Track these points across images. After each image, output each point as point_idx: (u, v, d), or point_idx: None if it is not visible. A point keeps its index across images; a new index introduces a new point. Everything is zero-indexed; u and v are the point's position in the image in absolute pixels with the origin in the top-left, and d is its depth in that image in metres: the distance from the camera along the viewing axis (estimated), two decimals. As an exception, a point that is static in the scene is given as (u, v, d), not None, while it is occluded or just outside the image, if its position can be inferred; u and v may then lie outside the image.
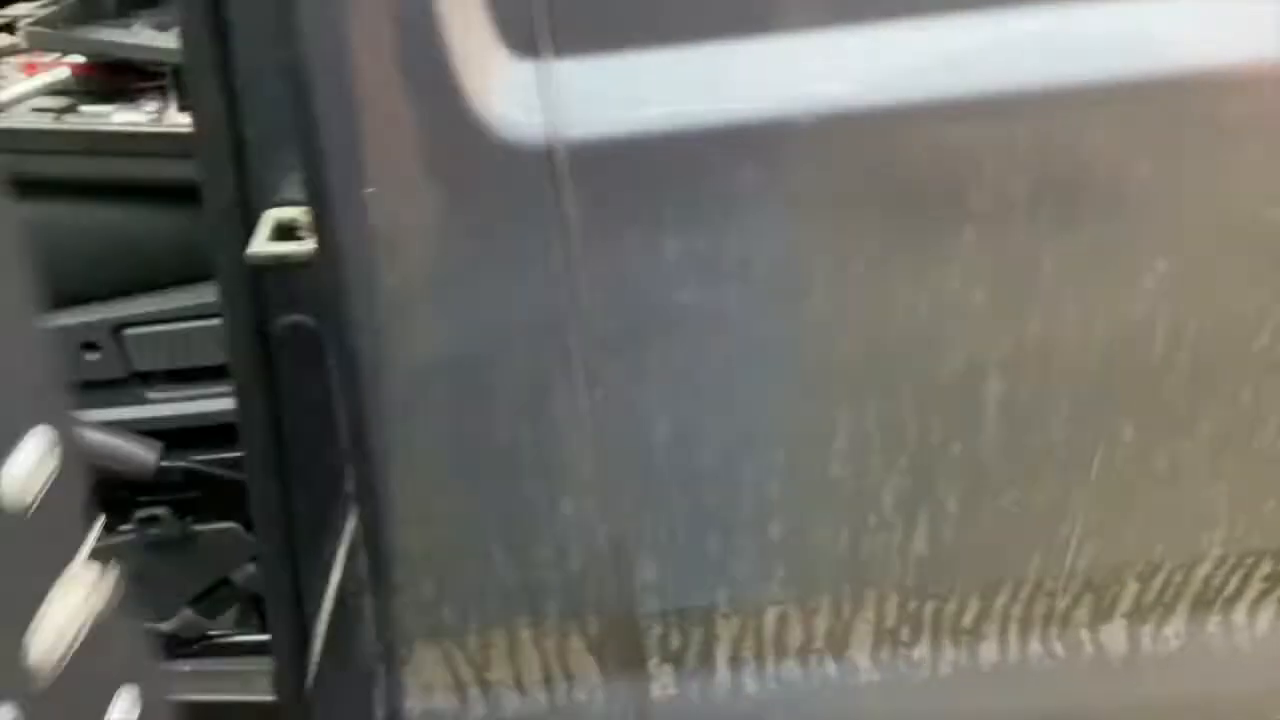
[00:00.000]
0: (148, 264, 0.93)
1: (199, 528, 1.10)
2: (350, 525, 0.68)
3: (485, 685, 0.65)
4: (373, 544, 0.61)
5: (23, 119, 0.82)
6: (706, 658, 0.64)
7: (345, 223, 0.51)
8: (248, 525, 1.09)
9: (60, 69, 0.86)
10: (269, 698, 1.15)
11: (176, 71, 0.82)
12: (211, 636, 1.18)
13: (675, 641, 0.63)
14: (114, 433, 0.93)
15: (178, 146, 0.81)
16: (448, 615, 0.63)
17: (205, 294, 0.94)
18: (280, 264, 0.55)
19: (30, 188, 0.86)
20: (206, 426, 1.01)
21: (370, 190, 0.50)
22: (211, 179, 0.58)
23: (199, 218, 0.86)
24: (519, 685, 0.65)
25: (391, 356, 0.55)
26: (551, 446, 0.57)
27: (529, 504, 0.59)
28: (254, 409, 0.65)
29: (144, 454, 0.94)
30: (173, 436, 0.98)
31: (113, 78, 0.87)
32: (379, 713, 0.66)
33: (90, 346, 0.96)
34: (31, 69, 0.88)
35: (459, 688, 0.64)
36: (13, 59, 0.92)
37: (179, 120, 0.82)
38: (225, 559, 1.12)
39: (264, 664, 1.17)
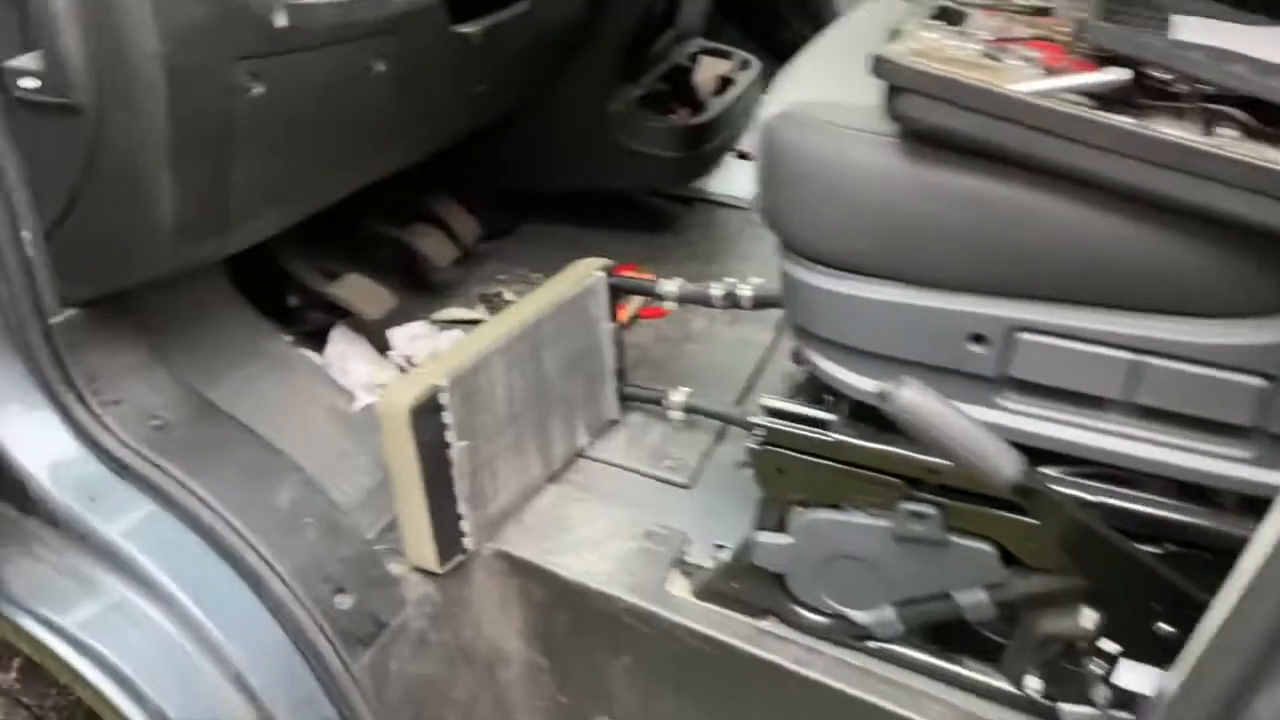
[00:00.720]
0: (1061, 272, 0.90)
1: (956, 539, 1.08)
2: None
3: None
4: None
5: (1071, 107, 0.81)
6: None
7: None
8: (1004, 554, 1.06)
9: (1099, 71, 0.84)
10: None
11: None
12: (893, 641, 1.17)
13: None
14: (987, 433, 0.91)
15: (1239, 175, 0.76)
16: None
17: (1112, 320, 0.90)
18: None
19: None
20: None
21: None
22: None
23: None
24: None
25: None
26: None
27: None
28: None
29: (1008, 464, 0.91)
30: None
31: (1147, 90, 0.84)
32: None
33: (979, 338, 0.95)
34: (1056, 59, 0.87)
35: None
36: (1021, 46, 0.92)
37: (1242, 149, 0.77)
38: (961, 576, 1.10)
39: (929, 685, 1.15)
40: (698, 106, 1.87)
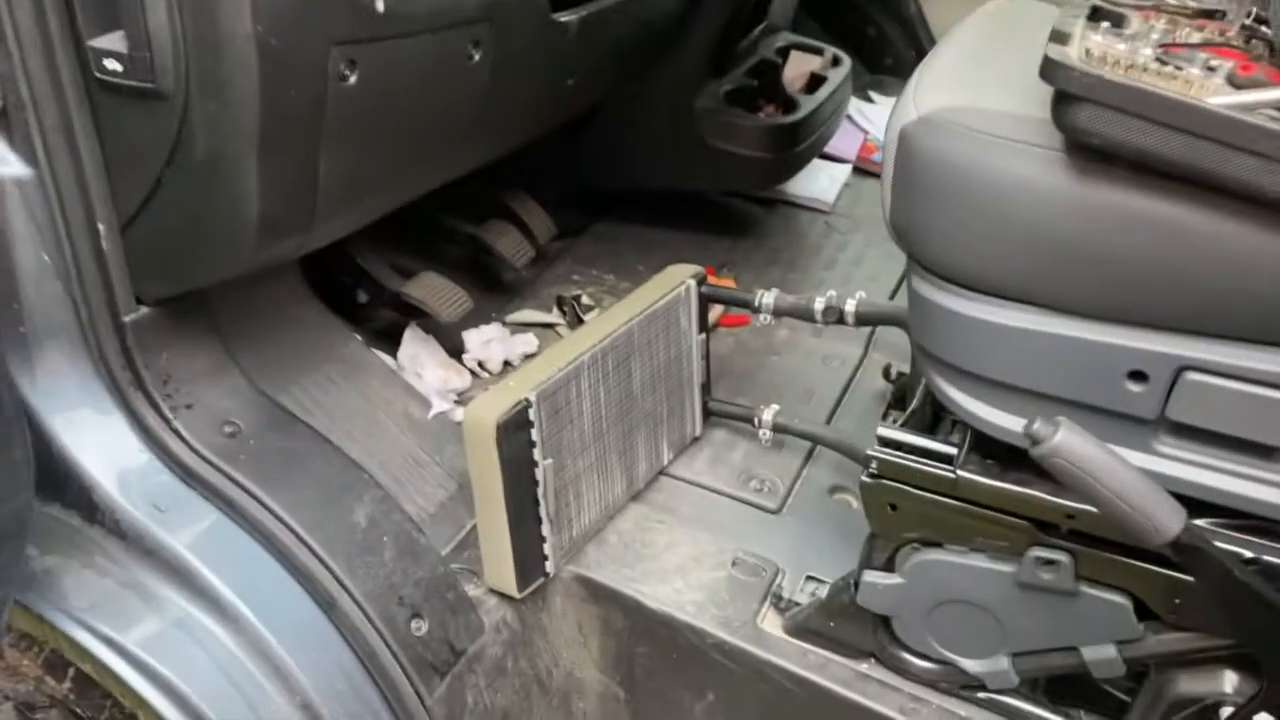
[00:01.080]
0: (1245, 309, 0.81)
1: (1087, 589, 0.98)
2: None
3: None
4: None
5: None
6: None
7: None
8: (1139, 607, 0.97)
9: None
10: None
11: None
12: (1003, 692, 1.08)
13: None
14: (1150, 483, 0.82)
15: None
16: None
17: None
18: None
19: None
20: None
21: None
22: None
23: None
24: None
25: None
26: None
27: None
28: None
29: (1171, 519, 0.81)
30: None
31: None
32: None
33: (1138, 376, 0.86)
34: (1248, 69, 0.77)
35: None
36: (1199, 52, 0.82)
37: None
38: (1088, 629, 1.01)
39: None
40: (787, 104, 1.78)
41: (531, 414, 1.09)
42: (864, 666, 1.13)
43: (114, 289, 0.98)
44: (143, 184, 0.94)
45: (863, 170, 2.10)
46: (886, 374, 1.51)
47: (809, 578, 1.22)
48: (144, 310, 1.02)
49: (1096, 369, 0.88)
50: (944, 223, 0.90)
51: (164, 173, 0.93)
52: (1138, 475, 0.83)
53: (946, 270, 0.92)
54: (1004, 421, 0.94)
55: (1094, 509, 0.90)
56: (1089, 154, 0.81)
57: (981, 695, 1.10)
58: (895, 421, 1.46)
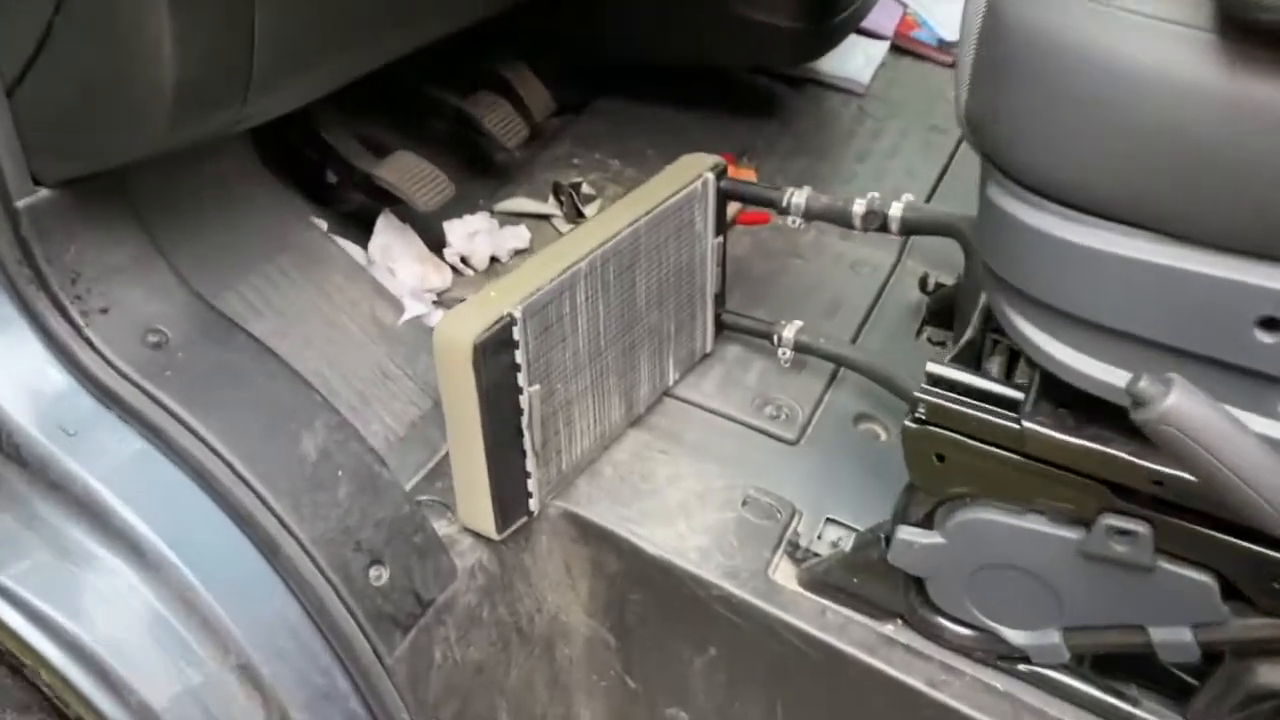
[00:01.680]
0: None
1: (1167, 565, 0.83)
2: None
3: None
4: None
5: None
6: None
7: None
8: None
9: None
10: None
11: None
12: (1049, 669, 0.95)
13: None
14: (1281, 460, 0.65)
15: None
16: None
17: None
18: None
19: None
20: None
21: None
22: None
23: None
24: None
25: None
26: None
27: None
28: None
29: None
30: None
31: None
32: None
33: (1271, 324, 0.68)
34: None
35: None
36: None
37: None
38: (1161, 608, 0.86)
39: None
40: (824, -32, 1.55)
41: (516, 332, 0.92)
42: (889, 629, 0.99)
43: (1, 166, 0.80)
44: (28, 36, 0.75)
45: (900, 49, 1.88)
46: (923, 285, 1.33)
47: (829, 520, 1.08)
48: (43, 193, 0.84)
49: (1219, 313, 0.70)
50: (1039, 118, 0.71)
51: (54, 21, 0.73)
52: (1267, 452, 0.66)
53: (1036, 179, 0.73)
54: (1093, 370, 0.77)
55: (1191, 477, 0.74)
56: (1253, 37, 0.62)
57: (1023, 669, 0.96)
58: (931, 340, 1.31)
